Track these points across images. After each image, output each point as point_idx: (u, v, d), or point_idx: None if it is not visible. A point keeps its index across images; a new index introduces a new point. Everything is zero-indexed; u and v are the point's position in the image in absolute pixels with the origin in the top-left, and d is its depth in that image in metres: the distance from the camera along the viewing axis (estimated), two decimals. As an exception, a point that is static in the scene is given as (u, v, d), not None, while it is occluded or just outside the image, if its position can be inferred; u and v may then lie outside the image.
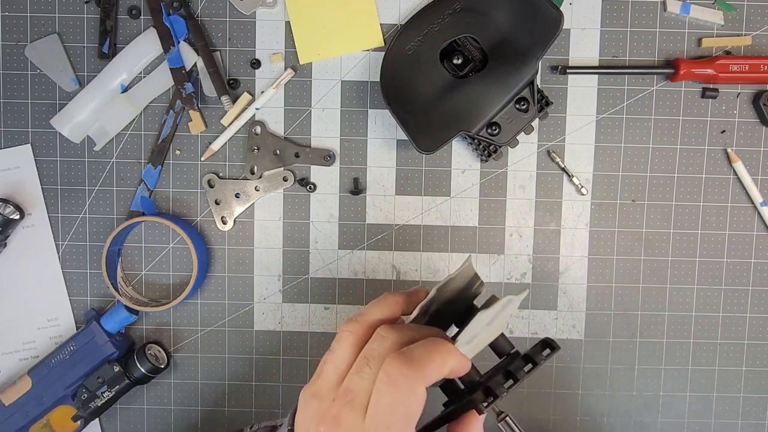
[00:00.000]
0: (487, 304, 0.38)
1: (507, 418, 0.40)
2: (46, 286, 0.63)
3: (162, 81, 0.61)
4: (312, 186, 0.61)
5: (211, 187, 0.62)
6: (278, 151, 0.61)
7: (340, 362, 0.35)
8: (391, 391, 0.32)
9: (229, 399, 0.64)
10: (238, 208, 0.62)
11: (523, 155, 0.62)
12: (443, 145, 0.57)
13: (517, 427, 0.41)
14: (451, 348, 0.34)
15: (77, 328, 0.63)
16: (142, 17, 0.61)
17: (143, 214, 0.62)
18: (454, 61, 0.57)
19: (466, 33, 0.57)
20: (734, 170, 0.62)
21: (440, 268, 0.63)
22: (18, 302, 0.63)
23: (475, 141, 0.59)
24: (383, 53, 0.58)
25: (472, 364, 0.38)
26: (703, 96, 0.61)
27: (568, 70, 0.60)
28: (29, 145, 0.62)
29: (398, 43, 0.57)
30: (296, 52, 0.61)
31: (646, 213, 0.62)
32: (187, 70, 0.60)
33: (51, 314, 0.63)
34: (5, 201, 0.59)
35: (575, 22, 0.61)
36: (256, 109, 0.61)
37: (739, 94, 0.61)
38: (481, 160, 0.61)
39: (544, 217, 0.62)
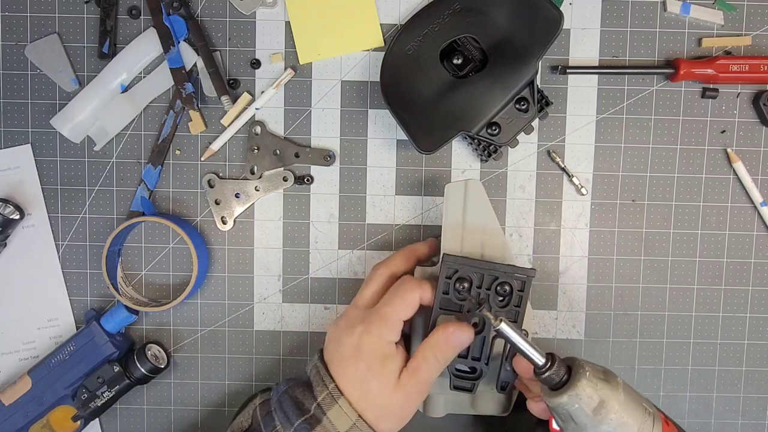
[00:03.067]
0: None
1: (503, 323, 0.43)
2: (46, 286, 0.63)
3: (162, 81, 0.61)
4: (309, 178, 0.61)
5: (211, 187, 0.62)
6: (278, 151, 0.61)
7: (372, 293, 0.52)
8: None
9: (229, 399, 0.64)
10: (238, 208, 0.62)
11: (523, 155, 0.62)
12: (443, 145, 0.57)
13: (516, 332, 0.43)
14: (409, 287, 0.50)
15: (77, 328, 0.63)
16: (142, 17, 0.61)
17: (143, 214, 0.62)
18: (454, 61, 0.57)
19: (466, 33, 0.57)
20: (734, 170, 0.62)
21: (440, 268, 0.63)
22: (18, 302, 0.63)
23: (475, 141, 0.59)
24: (383, 53, 0.58)
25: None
26: (703, 96, 0.61)
27: (568, 70, 0.60)
28: (29, 145, 0.62)
29: (398, 43, 0.57)
30: (296, 52, 0.61)
31: (646, 213, 0.62)
32: (187, 70, 0.60)
33: (51, 314, 0.63)
34: (5, 201, 0.59)
35: (575, 22, 0.61)
36: (256, 109, 0.61)
37: (739, 94, 0.61)
38: (481, 160, 0.61)
39: (544, 217, 0.62)
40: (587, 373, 0.42)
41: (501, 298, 0.50)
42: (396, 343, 0.49)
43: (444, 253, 0.50)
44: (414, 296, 0.49)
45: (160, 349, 0.62)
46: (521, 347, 0.43)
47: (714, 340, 0.63)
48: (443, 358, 0.48)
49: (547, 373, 0.43)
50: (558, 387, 0.43)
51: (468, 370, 0.51)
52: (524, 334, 0.44)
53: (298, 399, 0.49)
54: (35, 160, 0.62)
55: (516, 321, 0.50)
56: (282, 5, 0.61)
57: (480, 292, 0.50)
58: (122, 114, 0.61)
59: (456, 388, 0.51)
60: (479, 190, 0.53)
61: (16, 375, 0.62)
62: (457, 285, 0.50)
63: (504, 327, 0.43)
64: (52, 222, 0.62)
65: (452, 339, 0.48)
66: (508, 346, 0.50)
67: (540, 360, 0.43)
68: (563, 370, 0.43)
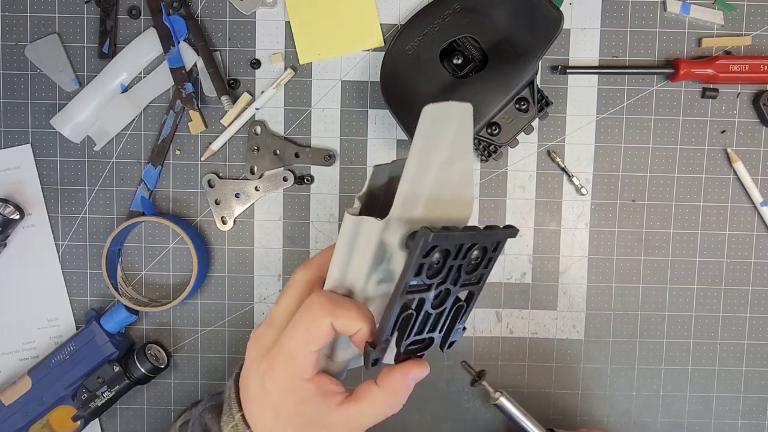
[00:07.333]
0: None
1: (502, 398, 0.40)
2: (46, 286, 0.63)
3: (162, 81, 0.61)
4: (309, 178, 0.61)
5: (211, 187, 0.62)
6: (278, 151, 0.61)
7: (285, 308, 0.43)
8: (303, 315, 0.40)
9: (229, 399, 0.64)
10: (238, 208, 0.62)
11: (523, 155, 0.62)
12: (443, 145, 0.56)
13: (514, 405, 0.41)
14: (352, 312, 0.39)
15: (77, 328, 0.63)
16: (142, 17, 0.61)
17: (143, 214, 0.62)
18: (454, 61, 0.57)
19: (466, 33, 0.57)
20: (734, 170, 0.62)
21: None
22: (18, 302, 0.63)
23: (475, 141, 0.59)
24: (383, 53, 0.58)
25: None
26: (703, 96, 0.61)
27: (568, 70, 0.60)
28: (29, 145, 0.62)
29: (398, 43, 0.57)
30: (296, 52, 0.61)
31: (646, 213, 0.62)
32: (187, 70, 0.60)
33: (51, 314, 0.63)
34: (5, 201, 0.59)
35: (575, 22, 0.61)
36: (256, 109, 0.61)
37: (739, 94, 0.61)
38: (481, 160, 0.61)
39: (544, 217, 0.62)
40: None
41: (473, 262, 0.40)
42: (320, 372, 0.41)
43: (423, 227, 0.35)
44: (321, 326, 0.39)
45: (160, 349, 0.62)
46: (522, 424, 0.41)
47: (714, 340, 0.63)
48: (395, 405, 0.40)
49: None
50: None
51: (419, 341, 0.43)
52: (521, 409, 0.41)
53: (207, 427, 0.44)
54: (35, 160, 0.62)
55: (480, 283, 0.42)
56: (282, 5, 0.61)
57: (454, 264, 0.39)
58: (122, 114, 0.61)
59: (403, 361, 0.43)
60: (468, 118, 0.37)
61: (16, 375, 0.62)
62: (431, 261, 0.37)
63: (503, 402, 0.40)
64: (52, 222, 0.62)
65: (411, 383, 0.40)
66: (463, 309, 0.42)
67: None
68: None
